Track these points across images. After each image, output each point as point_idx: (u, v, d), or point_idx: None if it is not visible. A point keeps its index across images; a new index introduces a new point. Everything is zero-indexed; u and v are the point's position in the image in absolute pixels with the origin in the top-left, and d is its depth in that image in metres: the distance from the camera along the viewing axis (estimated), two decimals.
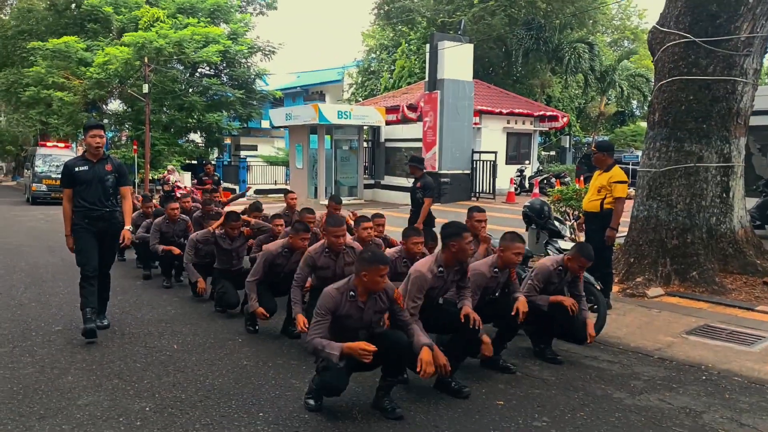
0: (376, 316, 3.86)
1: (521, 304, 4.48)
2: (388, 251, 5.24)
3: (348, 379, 3.73)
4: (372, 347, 3.49)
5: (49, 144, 23.37)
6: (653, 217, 7.36)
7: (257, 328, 5.60)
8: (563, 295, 4.86)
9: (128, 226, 5.57)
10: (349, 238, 5.20)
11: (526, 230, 8.14)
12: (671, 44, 7.34)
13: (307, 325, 4.86)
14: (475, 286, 4.46)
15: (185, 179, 20.91)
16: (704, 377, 4.55)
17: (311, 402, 3.84)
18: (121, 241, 5.54)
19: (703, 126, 7.15)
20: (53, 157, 21.79)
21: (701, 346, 5.21)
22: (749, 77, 7.17)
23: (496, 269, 4.58)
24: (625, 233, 7.86)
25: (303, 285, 4.99)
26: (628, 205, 7.38)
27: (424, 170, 8.35)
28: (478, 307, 4.34)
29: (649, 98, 8.07)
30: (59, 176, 21.81)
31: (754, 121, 7.99)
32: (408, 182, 13.68)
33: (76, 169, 5.30)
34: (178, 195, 15.47)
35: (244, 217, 7.13)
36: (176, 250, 7.36)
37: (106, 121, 26.32)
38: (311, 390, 3.88)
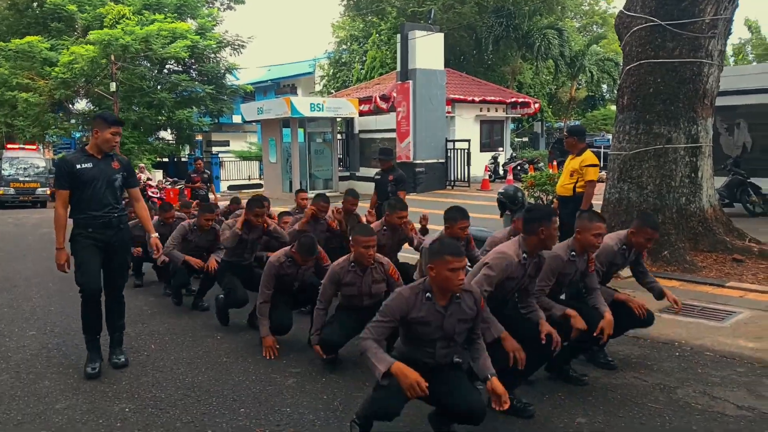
0: (460, 326, 3.14)
1: (607, 325, 3.87)
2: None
3: (403, 404, 3.02)
4: (424, 386, 2.85)
5: (12, 146, 22.95)
6: (625, 199, 7.48)
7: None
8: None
9: (154, 234, 4.76)
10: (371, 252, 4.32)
11: (501, 216, 8.22)
12: (638, 28, 7.43)
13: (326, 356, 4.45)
14: (549, 271, 3.88)
15: (156, 177, 20.66)
16: (677, 353, 4.65)
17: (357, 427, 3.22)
18: (155, 253, 4.84)
19: (671, 108, 7.26)
20: (20, 160, 21.44)
21: (674, 323, 5.31)
22: (714, 59, 7.29)
23: (573, 253, 3.98)
24: None
25: (327, 308, 4.43)
26: (600, 188, 7.49)
27: (395, 161, 8.32)
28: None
29: (619, 82, 8.17)
30: (27, 179, 21.34)
31: (721, 101, 8.14)
32: None
33: (78, 165, 4.33)
34: (149, 194, 15.25)
35: (267, 219, 5.91)
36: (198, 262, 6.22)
37: (73, 121, 25.89)
38: (359, 412, 3.24)
